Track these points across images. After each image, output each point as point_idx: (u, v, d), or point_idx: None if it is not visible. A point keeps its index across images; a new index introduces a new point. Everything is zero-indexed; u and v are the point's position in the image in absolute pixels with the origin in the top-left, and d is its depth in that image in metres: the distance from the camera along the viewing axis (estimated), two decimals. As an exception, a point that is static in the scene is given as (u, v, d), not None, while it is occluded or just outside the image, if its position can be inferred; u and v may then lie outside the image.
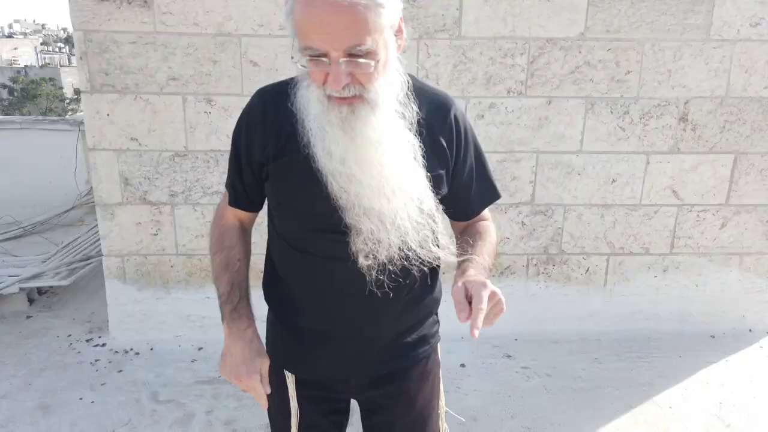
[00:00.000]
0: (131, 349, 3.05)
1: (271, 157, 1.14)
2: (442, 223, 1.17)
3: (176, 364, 2.94)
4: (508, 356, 3.06)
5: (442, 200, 1.18)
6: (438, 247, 1.13)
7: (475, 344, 3.09)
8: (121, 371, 2.88)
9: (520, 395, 2.73)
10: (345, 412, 1.37)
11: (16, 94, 43.42)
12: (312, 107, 1.04)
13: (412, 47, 2.80)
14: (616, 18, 2.85)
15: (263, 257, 1.32)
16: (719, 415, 2.59)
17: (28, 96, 40.97)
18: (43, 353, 3.02)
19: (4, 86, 47.56)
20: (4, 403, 2.62)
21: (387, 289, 1.12)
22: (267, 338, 1.31)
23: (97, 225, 4.26)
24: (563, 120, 2.97)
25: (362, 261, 1.09)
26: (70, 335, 3.20)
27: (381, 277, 1.11)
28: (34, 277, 3.40)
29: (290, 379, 1.27)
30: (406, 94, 1.06)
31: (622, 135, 3.02)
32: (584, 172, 3.06)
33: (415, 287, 1.21)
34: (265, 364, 1.20)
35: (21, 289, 3.32)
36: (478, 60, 2.84)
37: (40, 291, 3.59)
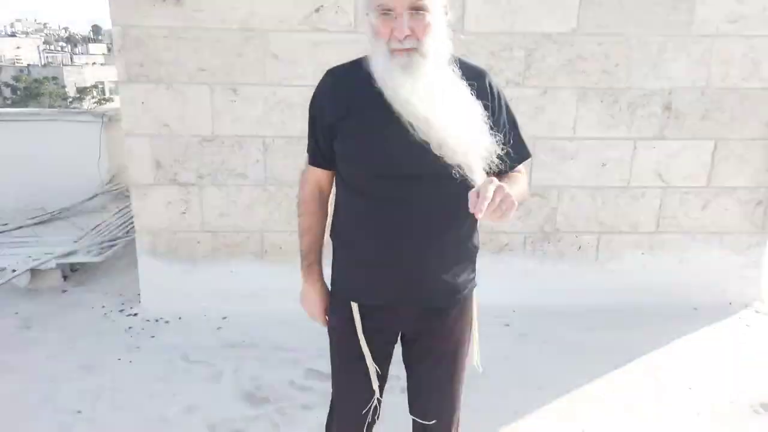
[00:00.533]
0: (161, 318, 3.33)
1: (338, 118, 1.40)
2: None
3: (203, 331, 3.22)
4: (507, 325, 3.34)
5: None
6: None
7: (476, 315, 3.36)
8: (153, 336, 3.16)
9: (518, 357, 3.01)
10: (394, 344, 1.62)
11: (19, 92, 43.73)
12: (380, 60, 1.32)
13: (419, 41, 3.07)
14: (605, 15, 3.12)
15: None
16: (694, 372, 2.87)
17: (31, 95, 41.23)
18: (81, 322, 3.30)
19: (8, 85, 47.83)
20: (51, 363, 2.89)
21: (433, 230, 1.40)
22: (334, 277, 1.58)
23: (122, 209, 4.55)
24: (557, 108, 3.25)
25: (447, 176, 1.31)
26: (104, 306, 3.48)
27: (428, 218, 1.38)
28: (69, 254, 3.67)
29: (355, 309, 1.53)
30: (450, 59, 1.34)
31: (611, 122, 3.29)
32: (577, 156, 3.33)
33: (456, 231, 1.46)
34: (327, 303, 1.63)
35: (57, 265, 3.60)
36: (480, 53, 3.11)
37: (73, 268, 3.86)
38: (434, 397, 1.62)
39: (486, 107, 1.39)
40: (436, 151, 1.31)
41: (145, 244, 3.30)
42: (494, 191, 1.16)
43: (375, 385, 1.57)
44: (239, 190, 3.25)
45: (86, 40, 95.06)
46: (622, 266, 3.52)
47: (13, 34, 75.96)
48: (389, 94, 1.31)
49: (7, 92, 45.69)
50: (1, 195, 5.02)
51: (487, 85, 1.44)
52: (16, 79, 50.21)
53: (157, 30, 2.98)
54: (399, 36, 1.27)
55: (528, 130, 3.21)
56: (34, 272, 3.57)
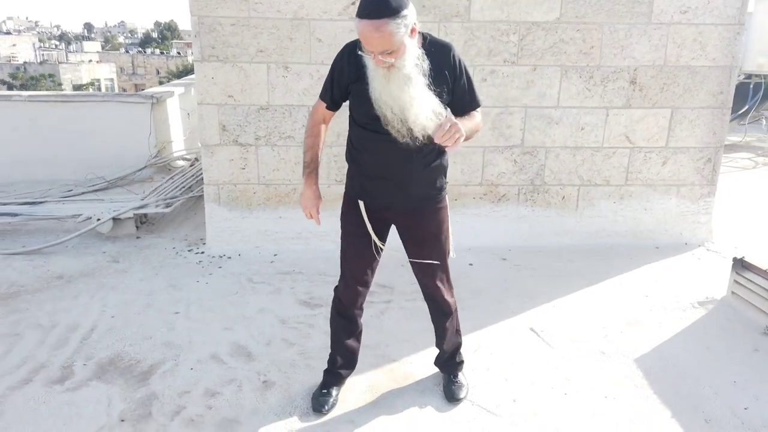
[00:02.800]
0: (224, 255, 4.09)
1: (352, 80, 2.14)
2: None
3: (260, 264, 3.98)
4: (504, 259, 4.12)
5: (448, 104, 2.13)
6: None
7: (478, 252, 4.14)
8: (220, 267, 3.92)
9: (512, 280, 3.79)
10: (389, 226, 2.38)
11: (15, 90, 44.16)
12: (371, 63, 1.99)
13: (434, 28, 3.84)
14: (582, 7, 3.90)
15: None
16: (652, 286, 3.67)
17: (21, 91, 41.58)
18: (158, 258, 4.05)
19: (4, 82, 48.13)
20: (143, 283, 3.65)
21: (412, 154, 2.13)
22: (348, 184, 2.34)
23: (173, 175, 5.29)
24: (545, 83, 4.02)
25: (398, 138, 2.07)
26: (174, 248, 4.23)
27: (409, 146, 2.10)
28: (141, 207, 4.42)
29: (362, 204, 2.30)
30: (420, 54, 2.01)
31: (588, 94, 4.07)
32: (561, 122, 4.11)
33: (429, 154, 2.20)
34: (319, 203, 2.36)
35: (134, 215, 4.35)
36: (482, 38, 3.88)
37: (142, 221, 4.60)
38: (426, 248, 2.33)
39: (448, 73, 2.07)
40: (403, 123, 2.00)
41: (211, 194, 4.06)
42: (449, 125, 1.91)
43: (375, 246, 2.31)
44: (288, 150, 4.01)
45: (79, 38, 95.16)
46: (598, 213, 4.30)
47: (8, 32, 75.94)
48: (371, 87, 1.99)
49: (3, 90, 46.00)
50: (63, 166, 5.77)
51: (451, 57, 2.10)
52: (13, 76, 50.56)
53: (226, 19, 3.74)
54: (378, 63, 1.91)
55: (521, 101, 4.04)
56: (114, 221, 4.31)
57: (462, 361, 2.63)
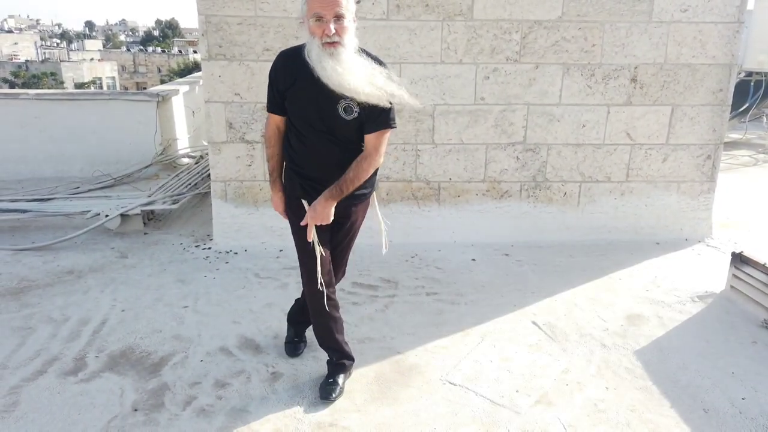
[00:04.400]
0: (231, 250, 4.15)
1: (287, 87, 2.26)
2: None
3: (266, 259, 4.04)
4: (506, 254, 4.17)
5: (359, 116, 2.21)
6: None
7: (481, 248, 4.20)
8: (227, 262, 3.98)
9: (514, 274, 3.85)
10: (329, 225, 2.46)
11: (18, 88, 44.29)
12: (314, 52, 2.14)
13: (437, 27, 3.90)
14: (584, 6, 3.95)
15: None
16: (652, 281, 3.73)
17: (28, 90, 41.71)
18: (166, 254, 4.12)
19: (6, 81, 48.28)
20: (152, 278, 3.71)
21: (339, 157, 2.27)
22: (286, 183, 2.45)
23: (179, 173, 5.35)
24: (547, 80, 4.08)
25: (342, 113, 2.20)
26: (181, 243, 4.29)
27: (335, 150, 2.25)
28: (149, 203, 4.49)
29: (305, 203, 2.37)
30: (359, 52, 2.16)
31: (589, 92, 4.12)
32: (562, 119, 4.17)
33: (352, 159, 2.27)
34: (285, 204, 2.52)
35: (141, 211, 4.41)
36: (485, 36, 3.94)
37: (149, 217, 4.66)
38: (350, 239, 2.59)
39: None
40: (349, 94, 2.15)
41: (219, 191, 4.12)
42: (313, 214, 2.25)
43: (319, 248, 2.40)
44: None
45: (80, 36, 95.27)
46: (599, 209, 4.36)
47: (10, 30, 76.04)
48: (319, 71, 2.12)
49: (5, 88, 46.11)
50: (70, 164, 5.84)
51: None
52: (15, 74, 50.69)
53: (233, 18, 3.80)
54: (328, 33, 2.07)
55: (523, 98, 4.10)
56: (122, 218, 4.37)
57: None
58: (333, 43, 2.09)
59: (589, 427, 2.38)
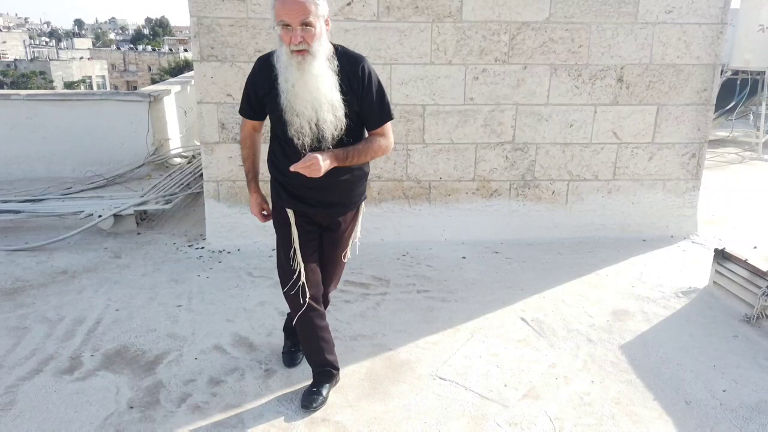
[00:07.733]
0: (224, 250, 4.19)
1: (265, 92, 2.23)
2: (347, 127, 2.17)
3: (259, 258, 4.08)
4: (496, 252, 4.24)
5: (357, 115, 2.19)
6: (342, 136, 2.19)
7: (471, 246, 4.26)
8: (220, 262, 4.02)
9: (504, 271, 3.92)
10: (318, 233, 2.47)
11: (6, 87, 43.91)
12: (282, 59, 2.12)
13: (427, 29, 3.95)
14: (571, 7, 4.02)
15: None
16: (638, 277, 3.81)
17: (18, 90, 41.37)
18: (159, 253, 4.15)
19: (-5, 80, 47.82)
20: (146, 278, 3.75)
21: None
22: (272, 191, 2.42)
23: (171, 173, 5.38)
24: (535, 81, 4.14)
25: (296, 141, 2.16)
26: (174, 243, 4.33)
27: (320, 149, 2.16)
28: (142, 203, 4.52)
29: (290, 213, 2.38)
30: (331, 56, 2.13)
31: (576, 92, 4.19)
32: (550, 119, 4.23)
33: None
34: (266, 206, 2.52)
35: (134, 211, 4.44)
36: (474, 37, 4.00)
37: (141, 217, 4.69)
38: (340, 248, 2.51)
39: (357, 84, 2.17)
40: (311, 120, 2.12)
41: (211, 191, 4.16)
42: (309, 162, 2.06)
43: (299, 257, 2.39)
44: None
45: (70, 35, 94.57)
46: (587, 207, 4.43)
47: (-2, 29, 75.31)
48: (281, 83, 2.10)
49: (-5, 87, 45.69)
50: (62, 164, 5.85)
51: (360, 69, 2.18)
52: (4, 73, 50.24)
53: (225, 20, 3.83)
54: (295, 42, 2.01)
55: (512, 98, 4.16)
56: (115, 218, 4.40)
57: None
58: (301, 51, 2.04)
59: (575, 420, 2.45)
